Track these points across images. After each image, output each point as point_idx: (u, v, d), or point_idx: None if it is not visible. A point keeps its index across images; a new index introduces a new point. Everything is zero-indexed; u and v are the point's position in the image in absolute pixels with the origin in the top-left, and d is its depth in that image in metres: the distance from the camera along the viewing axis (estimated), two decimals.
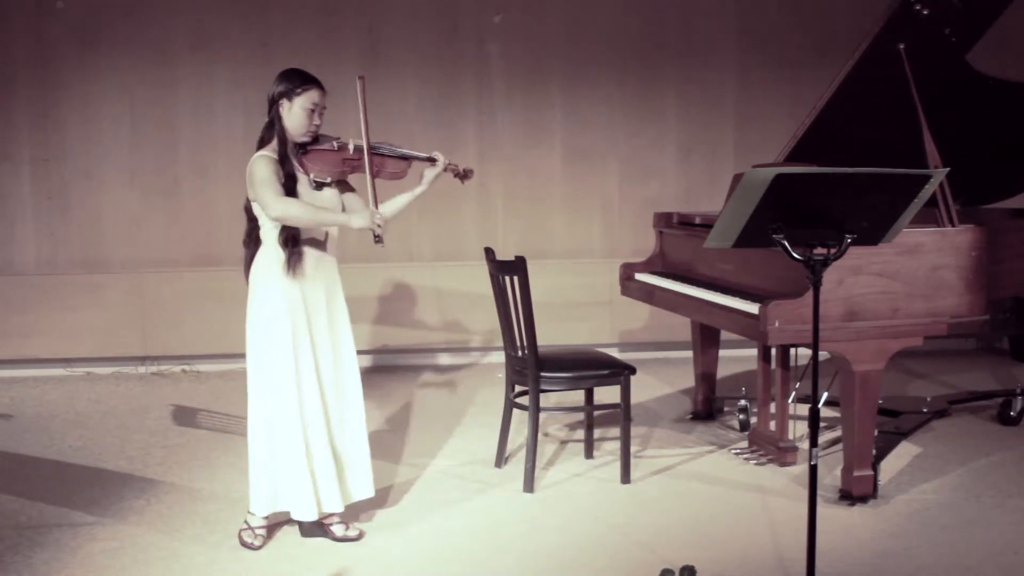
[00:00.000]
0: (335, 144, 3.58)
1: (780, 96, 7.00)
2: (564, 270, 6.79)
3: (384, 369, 6.61)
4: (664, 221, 5.14)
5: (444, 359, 6.80)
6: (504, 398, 4.40)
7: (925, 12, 4.24)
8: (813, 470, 2.98)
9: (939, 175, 2.96)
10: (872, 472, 3.97)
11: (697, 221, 4.87)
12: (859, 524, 3.75)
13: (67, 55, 6.62)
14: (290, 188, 3.43)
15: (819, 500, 3.61)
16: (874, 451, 4.02)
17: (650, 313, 6.60)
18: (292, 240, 3.46)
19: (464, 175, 3.87)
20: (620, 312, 6.73)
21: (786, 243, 2.92)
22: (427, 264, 6.87)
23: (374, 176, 3.57)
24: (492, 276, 4.27)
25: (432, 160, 3.73)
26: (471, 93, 6.91)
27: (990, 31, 4.56)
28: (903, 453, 4.55)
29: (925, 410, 5.01)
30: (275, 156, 3.47)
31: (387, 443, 4.89)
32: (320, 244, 3.56)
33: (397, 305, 6.71)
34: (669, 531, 3.71)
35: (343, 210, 3.59)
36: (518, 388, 4.35)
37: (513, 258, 4.07)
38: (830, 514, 3.82)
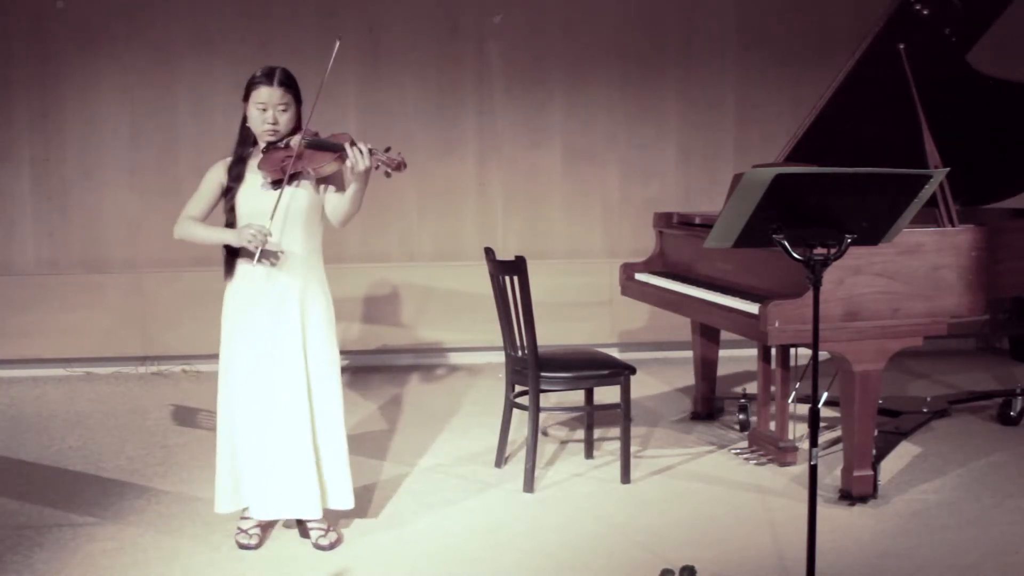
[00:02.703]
0: (285, 142, 3.48)
1: (780, 96, 7.00)
2: (564, 270, 6.78)
3: (384, 369, 6.61)
4: (664, 221, 5.14)
5: (443, 359, 6.80)
6: (504, 398, 4.40)
7: (925, 12, 4.24)
8: (813, 470, 2.98)
9: (939, 175, 2.96)
10: (872, 472, 3.97)
11: (697, 221, 4.87)
12: (859, 524, 3.75)
13: (67, 55, 6.62)
14: (231, 192, 3.48)
15: (819, 500, 3.61)
16: (874, 451, 4.02)
17: (650, 313, 6.60)
18: (226, 247, 3.50)
19: (389, 164, 3.37)
20: (620, 312, 6.73)
21: (786, 243, 2.92)
22: (427, 264, 6.87)
23: (299, 173, 3.42)
24: (492, 276, 4.27)
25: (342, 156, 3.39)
26: (471, 93, 6.91)
27: (990, 31, 4.56)
28: (903, 453, 4.55)
29: (925, 410, 5.01)
30: (231, 160, 3.53)
31: (387, 443, 4.89)
32: (268, 253, 3.44)
33: (397, 305, 6.71)
34: (669, 531, 3.71)
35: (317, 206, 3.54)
36: (518, 388, 4.35)
37: (513, 258, 4.07)
38: (830, 514, 3.82)
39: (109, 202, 6.72)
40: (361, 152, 3.35)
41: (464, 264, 6.72)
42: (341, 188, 3.51)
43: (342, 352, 6.52)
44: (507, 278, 4.15)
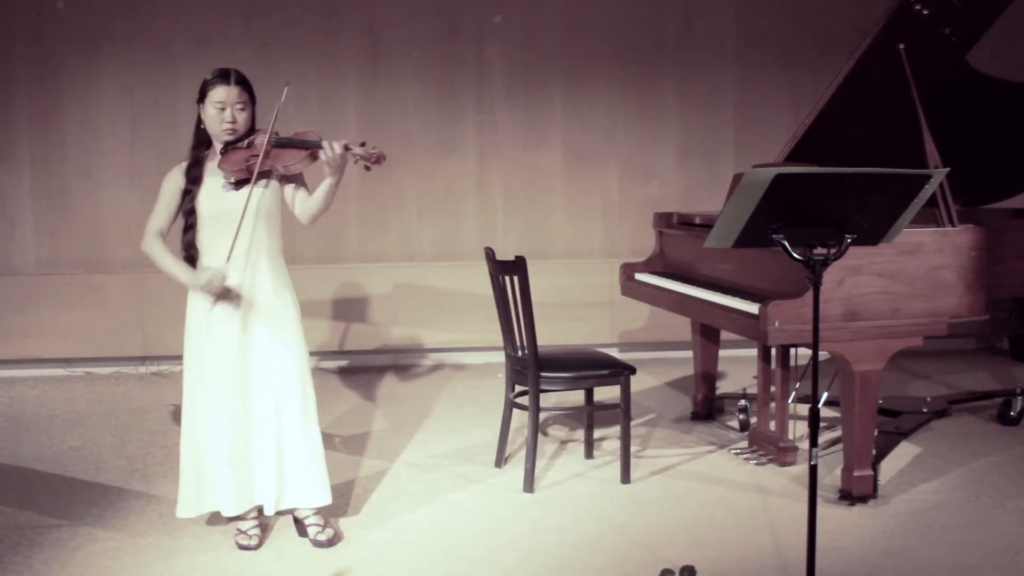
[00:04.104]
0: (247, 141, 3.48)
1: (780, 96, 7.00)
2: (564, 270, 6.78)
3: (383, 368, 6.61)
4: (664, 221, 5.14)
5: (443, 359, 6.80)
6: (504, 398, 4.40)
7: (925, 12, 4.24)
8: (813, 470, 2.98)
9: (939, 175, 2.96)
10: (872, 472, 3.97)
11: (697, 221, 4.87)
12: (859, 524, 3.75)
13: (67, 55, 6.62)
14: (189, 195, 3.46)
15: (819, 500, 3.60)
16: (874, 451, 4.02)
17: (650, 313, 6.60)
18: (187, 246, 3.51)
19: (368, 159, 3.41)
20: (620, 312, 6.72)
21: (786, 243, 2.92)
22: (427, 264, 6.87)
23: (268, 168, 3.42)
24: (492, 276, 4.27)
25: (322, 148, 3.41)
26: (471, 93, 6.91)
27: (991, 31, 4.56)
28: (903, 453, 4.55)
29: (925, 410, 5.01)
30: (187, 163, 3.50)
31: (387, 443, 4.89)
32: (233, 250, 3.44)
33: (397, 305, 6.71)
34: (669, 531, 3.71)
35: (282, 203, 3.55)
36: (518, 388, 4.35)
37: (513, 258, 4.07)
38: (830, 514, 3.82)
39: (109, 202, 6.72)
40: (334, 148, 3.37)
41: (464, 264, 6.71)
42: (302, 186, 3.54)
43: (342, 352, 6.66)
44: (507, 278, 4.15)
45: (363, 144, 3.44)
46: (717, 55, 7.03)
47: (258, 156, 3.40)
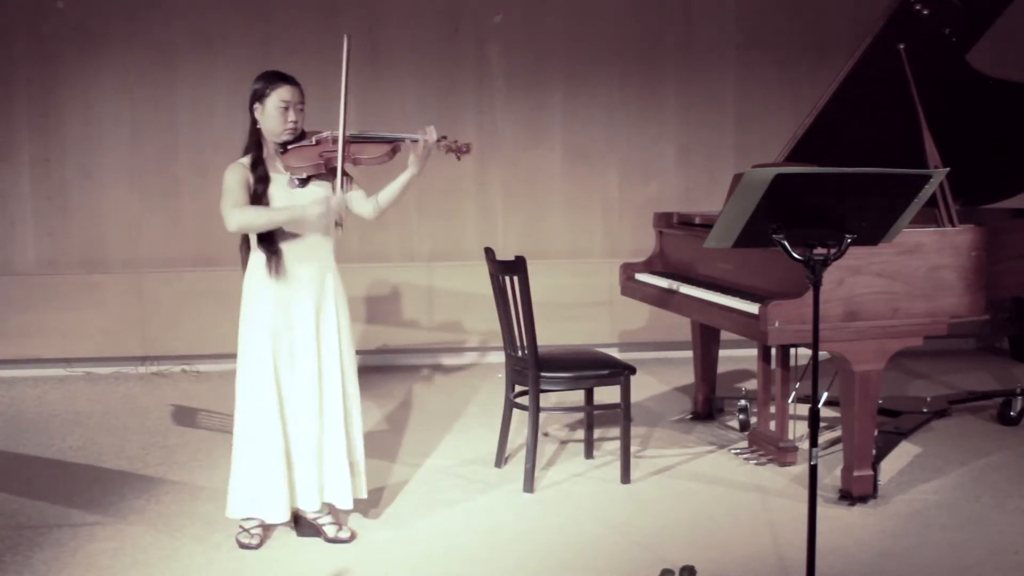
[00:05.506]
0: (314, 139, 3.53)
1: (780, 96, 7.00)
2: (564, 270, 6.78)
3: (383, 369, 6.61)
4: (664, 221, 5.14)
5: (443, 359, 6.80)
6: (504, 398, 4.40)
7: (925, 12, 4.24)
8: (813, 470, 2.98)
9: (939, 175, 2.96)
10: (872, 472, 3.97)
11: (697, 221, 4.87)
12: (859, 524, 3.75)
13: (67, 55, 6.62)
14: (260, 192, 3.43)
15: (819, 500, 3.61)
16: (874, 451, 4.03)
17: (650, 313, 6.60)
18: (267, 240, 3.45)
19: (459, 150, 3.56)
20: (620, 312, 6.73)
21: (786, 243, 2.92)
22: (427, 264, 6.87)
23: (346, 160, 3.48)
24: (492, 276, 4.27)
25: (416, 141, 3.53)
26: (471, 93, 6.91)
27: (991, 31, 4.56)
28: (903, 453, 4.55)
29: (925, 410, 5.01)
30: (248, 162, 3.48)
31: (387, 443, 4.89)
32: (306, 238, 3.50)
33: (397, 305, 6.71)
34: (669, 531, 3.71)
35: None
36: (518, 388, 4.35)
37: (513, 258, 4.07)
38: (830, 514, 3.82)
39: (109, 202, 6.72)
40: (430, 138, 3.49)
41: (464, 264, 6.72)
42: (356, 183, 3.65)
43: None
44: (507, 278, 4.15)
45: (444, 138, 3.54)
46: (717, 55, 7.03)
47: (334, 152, 3.45)
